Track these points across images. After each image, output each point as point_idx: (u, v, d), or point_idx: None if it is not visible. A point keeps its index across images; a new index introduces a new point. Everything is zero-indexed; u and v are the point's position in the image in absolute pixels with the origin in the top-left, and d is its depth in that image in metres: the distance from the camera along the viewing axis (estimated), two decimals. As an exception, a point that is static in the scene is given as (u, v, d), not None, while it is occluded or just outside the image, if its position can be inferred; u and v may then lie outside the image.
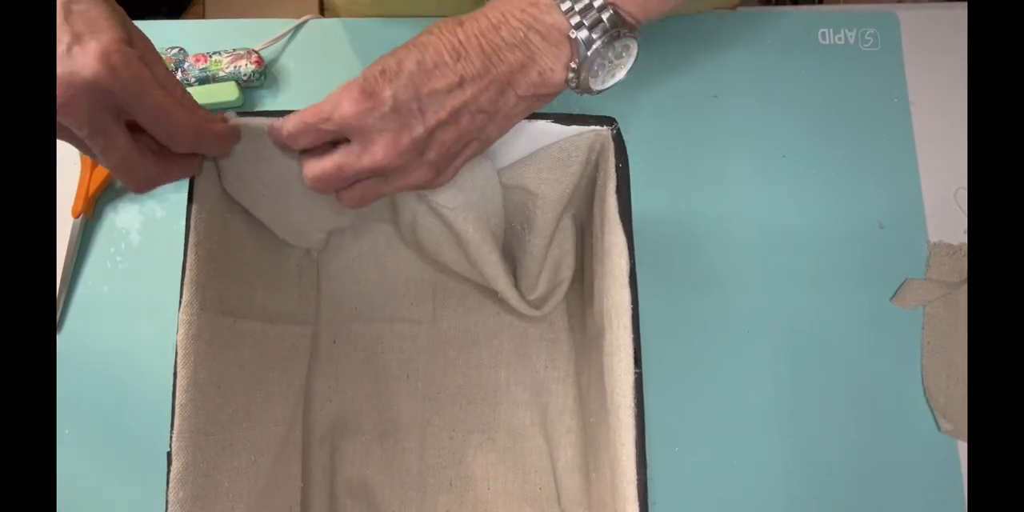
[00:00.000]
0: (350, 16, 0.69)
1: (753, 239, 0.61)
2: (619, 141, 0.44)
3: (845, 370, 0.59)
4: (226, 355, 0.44)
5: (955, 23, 0.67)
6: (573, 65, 0.39)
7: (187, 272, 0.41)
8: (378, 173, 0.40)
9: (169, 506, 0.39)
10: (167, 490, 0.39)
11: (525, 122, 0.45)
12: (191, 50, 0.63)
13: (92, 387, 0.58)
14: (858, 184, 0.63)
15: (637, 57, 0.41)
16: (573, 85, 0.40)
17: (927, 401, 0.58)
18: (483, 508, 0.55)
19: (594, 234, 0.48)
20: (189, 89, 0.61)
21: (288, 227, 0.51)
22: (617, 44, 0.39)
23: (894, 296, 0.60)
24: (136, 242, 0.62)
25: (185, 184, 0.43)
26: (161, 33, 0.63)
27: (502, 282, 0.51)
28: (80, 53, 0.34)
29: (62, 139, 0.38)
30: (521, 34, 0.38)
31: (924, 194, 0.62)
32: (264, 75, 0.64)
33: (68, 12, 0.35)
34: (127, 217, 0.62)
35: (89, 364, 0.59)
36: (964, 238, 0.61)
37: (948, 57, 0.66)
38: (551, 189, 0.48)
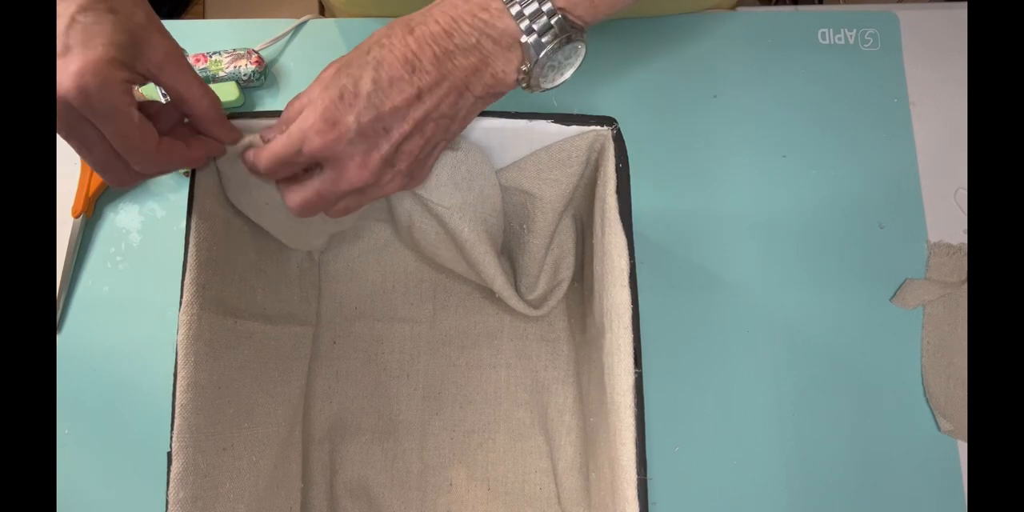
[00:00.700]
0: (349, 17, 0.69)
1: (753, 239, 0.61)
2: (619, 141, 0.44)
3: (845, 370, 0.59)
4: (227, 356, 0.44)
5: (955, 23, 0.67)
6: (524, 68, 0.40)
7: (187, 272, 0.41)
8: (356, 191, 0.42)
9: (169, 506, 0.39)
10: (167, 490, 0.39)
11: (525, 123, 0.45)
12: (191, 50, 0.63)
13: (92, 387, 0.58)
14: (858, 184, 0.63)
15: (586, 57, 0.42)
16: (523, 85, 0.41)
17: (927, 401, 0.58)
18: (483, 508, 0.55)
19: (594, 234, 0.48)
20: None
21: (289, 234, 0.51)
22: (567, 47, 0.40)
23: (894, 296, 0.60)
24: (136, 242, 0.62)
25: (186, 184, 0.43)
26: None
27: (499, 282, 0.51)
28: (61, 68, 0.34)
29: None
30: (473, 39, 0.39)
31: (924, 194, 0.62)
32: (264, 75, 0.64)
33: (72, 22, 0.35)
34: (127, 217, 0.62)
35: (89, 364, 0.59)
36: (964, 238, 0.61)
37: (948, 57, 0.66)
38: (551, 189, 0.48)
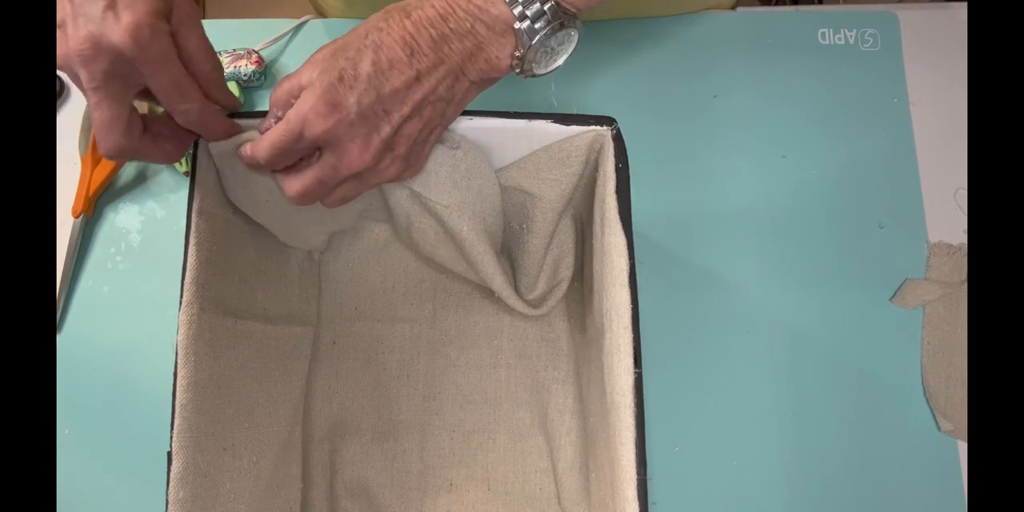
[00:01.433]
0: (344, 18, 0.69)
1: (753, 239, 0.61)
2: (619, 141, 0.44)
3: (845, 370, 0.59)
4: (227, 355, 0.44)
5: (955, 23, 0.67)
6: (517, 53, 0.40)
7: (187, 272, 0.41)
8: (355, 176, 0.42)
9: (169, 506, 0.39)
10: (167, 490, 0.39)
11: (525, 123, 0.45)
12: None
13: (92, 387, 0.58)
14: (858, 184, 0.63)
15: (587, 57, 0.43)
16: (517, 71, 0.41)
17: (927, 401, 0.58)
18: (483, 508, 0.55)
19: (594, 234, 0.48)
20: None
21: (289, 231, 0.51)
22: (560, 33, 0.40)
23: (894, 296, 0.60)
24: (136, 242, 0.62)
25: (185, 184, 0.43)
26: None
27: (497, 281, 0.51)
28: (113, 20, 0.35)
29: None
30: (468, 24, 0.39)
31: (924, 194, 0.62)
32: (264, 75, 0.64)
33: None
34: (127, 217, 0.62)
35: (89, 364, 0.59)
36: (964, 238, 0.61)
37: (948, 57, 0.66)
38: (550, 189, 0.48)
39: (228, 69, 0.63)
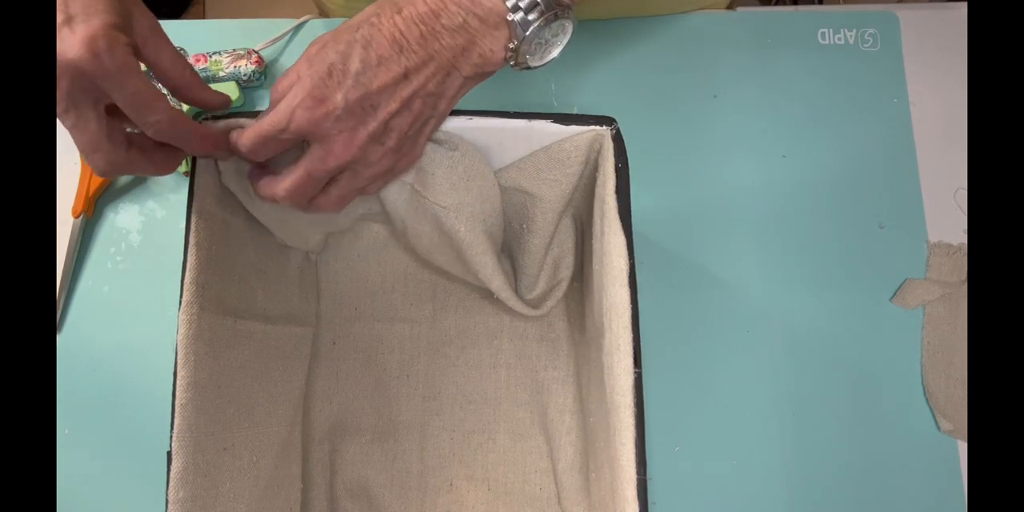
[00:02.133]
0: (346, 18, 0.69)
1: (753, 239, 0.61)
2: (619, 141, 0.44)
3: (845, 370, 0.59)
4: (226, 355, 0.44)
5: (955, 23, 0.67)
6: (511, 46, 0.40)
7: (187, 272, 0.41)
8: (345, 168, 0.42)
9: (169, 506, 0.39)
10: (167, 490, 0.39)
11: (524, 122, 0.45)
12: (191, 50, 0.63)
13: (92, 387, 0.58)
14: (858, 184, 0.63)
15: (572, 38, 0.42)
16: (512, 63, 0.41)
17: (927, 401, 0.58)
18: (483, 508, 0.55)
19: (593, 234, 0.48)
20: None
21: (286, 229, 0.51)
22: (554, 24, 0.40)
23: (894, 296, 0.60)
24: (136, 242, 0.62)
25: (185, 184, 0.43)
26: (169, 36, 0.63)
27: (497, 282, 0.51)
28: (68, 35, 0.34)
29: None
30: (460, 19, 0.39)
31: (924, 194, 0.62)
32: (264, 75, 0.64)
33: None
34: (127, 217, 0.62)
35: (89, 364, 0.59)
36: (964, 238, 0.61)
37: (948, 57, 0.66)
38: (550, 190, 0.48)
39: (228, 69, 0.63)
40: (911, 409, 0.58)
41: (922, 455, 0.57)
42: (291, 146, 0.42)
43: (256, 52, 0.64)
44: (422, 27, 0.39)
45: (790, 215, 0.62)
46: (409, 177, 0.47)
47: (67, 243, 0.60)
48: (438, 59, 0.40)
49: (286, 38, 0.67)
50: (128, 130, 0.39)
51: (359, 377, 0.57)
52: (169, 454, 0.39)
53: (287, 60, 0.66)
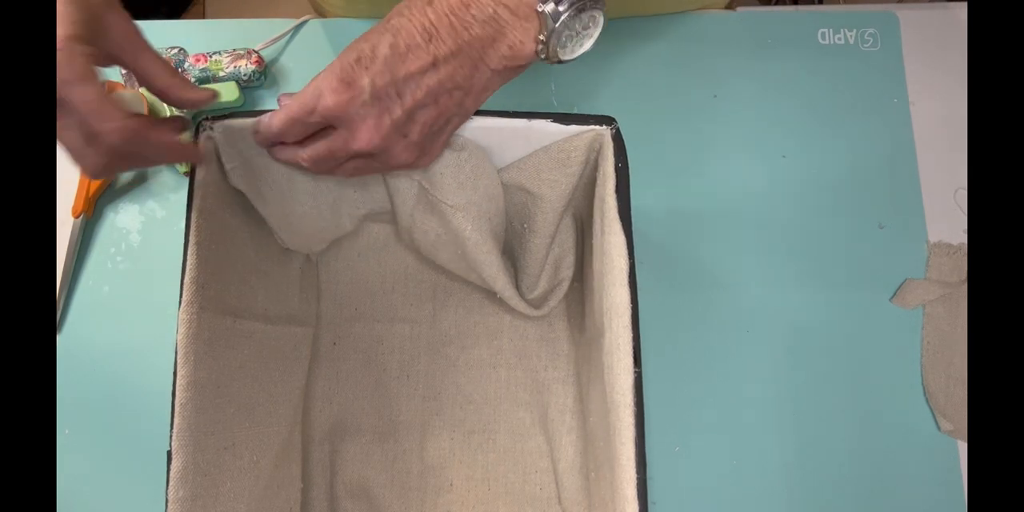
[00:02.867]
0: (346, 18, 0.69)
1: (753, 239, 0.61)
2: (618, 141, 0.44)
3: (845, 370, 0.59)
4: (226, 355, 0.44)
5: (955, 23, 0.67)
6: (542, 37, 0.40)
7: (187, 272, 0.41)
8: (366, 155, 0.42)
9: (169, 505, 0.39)
10: (167, 489, 0.39)
11: (524, 122, 0.45)
12: (191, 50, 0.63)
13: (92, 387, 0.58)
14: (858, 184, 0.63)
15: (601, 33, 0.42)
16: (543, 56, 0.41)
17: (927, 401, 0.58)
18: (483, 508, 0.55)
19: (593, 233, 0.48)
20: None
21: (290, 230, 0.51)
22: (584, 15, 0.40)
23: (894, 296, 0.60)
24: (136, 242, 0.62)
25: (185, 184, 0.43)
26: (161, 33, 0.63)
27: (500, 281, 0.51)
28: None
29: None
30: (490, 10, 0.39)
31: (924, 194, 0.62)
32: (264, 75, 0.64)
33: None
34: (127, 217, 0.62)
35: (89, 364, 0.59)
36: (964, 238, 0.61)
37: (948, 57, 0.66)
38: (551, 190, 0.48)
39: (228, 69, 0.63)
40: (911, 409, 0.58)
41: (922, 455, 0.57)
42: (318, 128, 0.42)
43: (256, 52, 0.64)
44: (452, 18, 0.39)
45: (790, 215, 0.62)
46: (417, 174, 0.47)
47: (67, 243, 0.60)
48: (467, 50, 0.40)
49: (286, 38, 0.67)
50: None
51: (359, 377, 0.57)
52: (169, 453, 0.39)
53: (287, 60, 0.66)
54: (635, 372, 0.40)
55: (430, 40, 0.39)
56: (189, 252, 0.42)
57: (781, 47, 0.66)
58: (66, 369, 0.58)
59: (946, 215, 0.62)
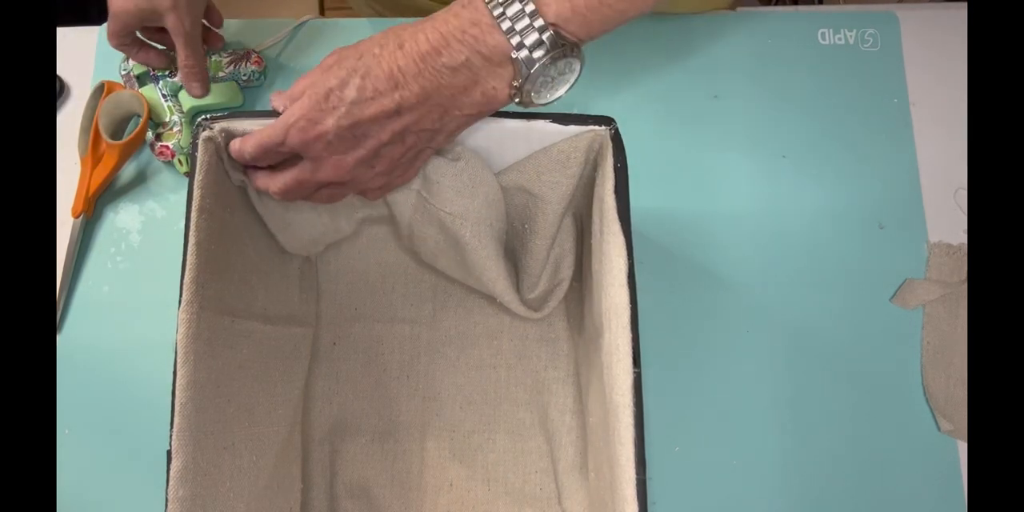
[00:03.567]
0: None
1: (753, 239, 0.61)
2: (618, 141, 0.44)
3: (845, 370, 0.59)
4: (225, 355, 0.44)
5: (955, 23, 0.67)
6: (515, 84, 0.40)
7: (187, 272, 0.41)
8: (335, 184, 0.44)
9: (169, 504, 0.39)
10: (167, 489, 0.39)
11: (523, 123, 0.45)
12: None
13: (92, 387, 0.58)
14: (858, 184, 0.63)
15: (582, 71, 0.42)
16: (516, 101, 0.41)
17: (927, 401, 0.58)
18: (483, 508, 0.55)
19: (593, 233, 0.48)
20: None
21: (289, 232, 0.52)
22: (560, 63, 0.40)
23: (894, 296, 0.60)
24: (136, 242, 0.62)
25: (185, 184, 0.44)
26: (161, 33, 0.63)
27: (500, 286, 0.51)
28: None
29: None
30: (463, 57, 0.39)
31: (924, 194, 0.62)
32: (264, 75, 0.64)
33: None
34: (127, 217, 0.62)
35: (89, 364, 0.59)
36: (964, 238, 0.61)
37: (948, 57, 0.66)
38: (551, 191, 0.48)
39: (228, 70, 0.63)
40: (911, 409, 0.58)
41: (922, 455, 0.57)
42: (288, 156, 0.43)
43: (256, 52, 0.64)
44: (422, 65, 0.39)
45: (790, 215, 0.62)
46: (416, 183, 0.47)
47: (67, 243, 0.60)
48: (435, 98, 0.40)
49: (286, 38, 0.67)
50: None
51: (359, 377, 0.57)
52: (169, 453, 0.39)
53: (287, 60, 0.66)
54: (634, 372, 0.40)
55: (396, 87, 0.39)
56: (189, 252, 0.42)
57: (781, 47, 0.66)
58: (66, 369, 0.58)
59: (946, 215, 0.62)
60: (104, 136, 0.60)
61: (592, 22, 0.39)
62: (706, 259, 0.61)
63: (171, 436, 0.40)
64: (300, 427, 0.54)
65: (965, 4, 0.68)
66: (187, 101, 0.61)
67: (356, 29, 0.67)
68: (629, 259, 0.41)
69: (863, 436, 0.57)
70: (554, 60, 0.39)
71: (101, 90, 0.61)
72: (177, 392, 0.40)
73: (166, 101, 0.61)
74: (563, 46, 0.39)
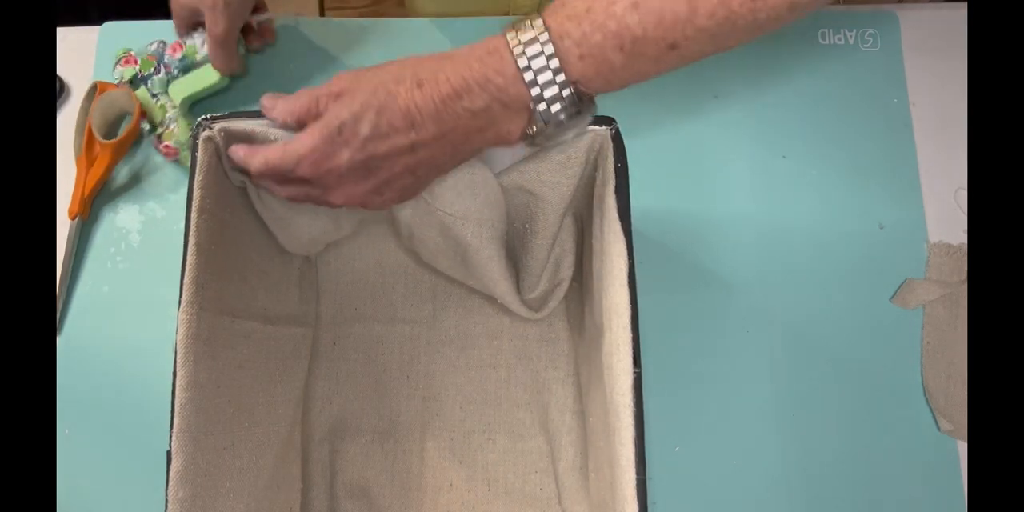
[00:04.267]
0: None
1: (753, 239, 0.61)
2: (618, 141, 0.44)
3: (845, 370, 0.59)
4: (225, 355, 0.44)
5: (955, 23, 0.67)
6: (530, 131, 0.41)
7: (187, 272, 0.41)
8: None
9: (169, 505, 0.39)
10: (167, 489, 0.39)
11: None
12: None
13: (92, 387, 0.58)
14: (858, 184, 0.63)
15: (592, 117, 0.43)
16: (527, 143, 0.42)
17: (927, 401, 0.58)
18: (483, 508, 0.55)
19: (593, 233, 0.48)
20: (176, 81, 0.62)
21: (287, 234, 0.51)
22: (576, 118, 0.41)
23: (894, 296, 0.60)
24: (136, 242, 0.62)
25: (185, 184, 0.44)
26: (162, 33, 0.63)
27: (502, 286, 0.51)
28: None
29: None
30: (483, 103, 0.39)
31: (924, 194, 0.62)
32: (246, 49, 0.64)
33: None
34: (127, 217, 0.62)
35: (89, 364, 0.59)
36: (964, 238, 0.61)
37: (948, 57, 0.66)
38: (552, 192, 0.48)
39: (203, 51, 0.61)
40: (911, 409, 0.58)
41: (922, 455, 0.57)
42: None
43: (171, 42, 0.63)
44: (440, 106, 0.39)
45: (790, 215, 0.62)
46: None
47: (64, 245, 0.60)
48: (450, 137, 0.40)
49: (283, 39, 0.66)
50: None
51: (359, 377, 0.57)
52: (169, 453, 0.39)
53: (286, 60, 0.66)
54: (635, 372, 0.40)
55: (412, 126, 0.39)
56: (189, 252, 0.42)
57: (781, 47, 0.66)
58: (66, 369, 0.58)
59: (946, 215, 0.62)
60: (97, 136, 0.60)
61: (612, 82, 0.40)
62: (706, 259, 0.61)
63: (171, 436, 0.40)
64: (300, 427, 0.54)
65: (965, 4, 0.68)
66: (176, 94, 0.61)
67: (352, 29, 0.67)
68: (630, 259, 0.41)
69: (863, 436, 0.57)
70: (570, 116, 0.40)
71: (95, 91, 0.61)
72: (177, 392, 0.40)
73: (157, 100, 0.61)
74: (580, 104, 0.40)
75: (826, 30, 0.67)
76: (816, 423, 0.57)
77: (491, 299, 0.57)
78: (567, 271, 0.55)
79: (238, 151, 0.43)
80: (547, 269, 0.54)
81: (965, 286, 0.60)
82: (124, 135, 0.61)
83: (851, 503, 0.56)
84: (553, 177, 0.48)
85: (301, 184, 0.43)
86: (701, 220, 0.62)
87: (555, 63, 0.38)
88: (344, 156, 0.40)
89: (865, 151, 0.63)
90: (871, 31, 0.66)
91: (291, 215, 0.50)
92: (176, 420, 0.40)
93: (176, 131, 0.61)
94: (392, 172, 0.41)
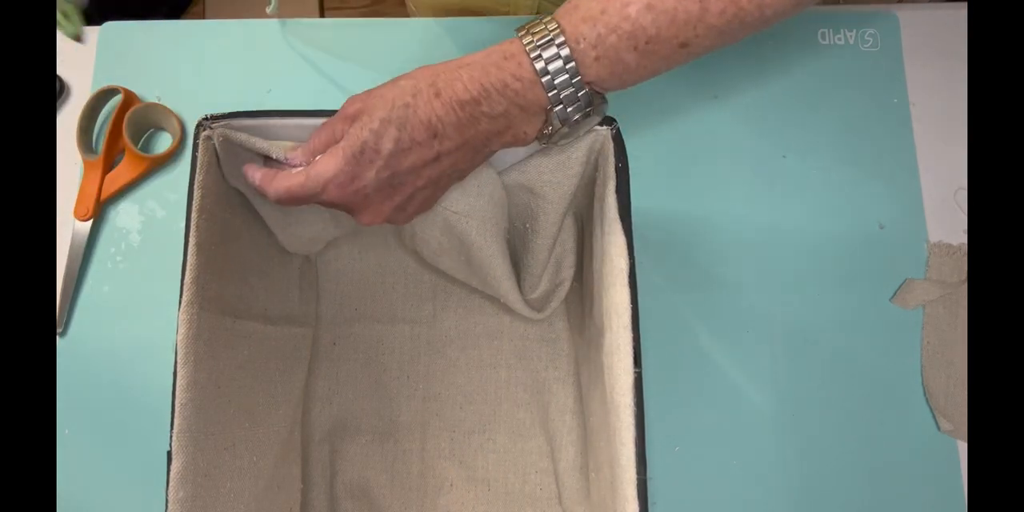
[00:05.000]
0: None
1: (753, 239, 0.61)
2: (619, 141, 0.44)
3: (845, 370, 0.59)
4: (225, 355, 0.44)
5: (955, 23, 0.67)
6: (546, 131, 0.42)
7: (187, 272, 0.41)
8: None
9: (169, 505, 0.39)
10: (167, 490, 0.39)
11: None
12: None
13: (92, 387, 0.58)
14: (858, 184, 0.63)
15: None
16: (542, 142, 0.43)
17: (927, 401, 0.58)
18: (483, 508, 0.55)
19: (594, 233, 0.48)
20: None
21: (288, 234, 0.51)
22: (590, 119, 0.42)
23: (894, 296, 0.60)
24: (136, 242, 0.62)
25: (185, 184, 0.43)
26: (161, 33, 0.63)
27: (505, 285, 0.51)
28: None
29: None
30: (501, 108, 0.40)
31: (924, 194, 0.62)
32: None
33: None
34: (127, 217, 0.62)
35: (89, 364, 0.59)
36: (964, 238, 0.61)
37: (948, 57, 0.66)
38: (553, 191, 0.49)
39: None
40: (911, 409, 0.58)
41: (922, 455, 0.57)
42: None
43: None
44: (461, 113, 0.39)
45: (790, 215, 0.62)
46: None
47: (71, 245, 0.60)
48: (472, 142, 0.41)
49: (282, 39, 0.66)
50: None
51: (359, 378, 0.57)
52: (169, 454, 0.39)
53: (285, 61, 0.66)
54: (635, 372, 0.40)
55: (435, 137, 0.39)
56: (189, 252, 0.42)
57: (781, 47, 0.66)
58: (66, 369, 0.58)
59: (946, 215, 0.62)
60: (134, 147, 0.61)
61: (626, 82, 0.40)
62: (706, 259, 0.61)
63: (171, 437, 0.40)
64: (300, 427, 0.54)
65: (965, 4, 0.68)
66: None
67: (350, 30, 0.67)
68: (630, 259, 0.41)
69: (863, 436, 0.57)
70: (585, 117, 0.41)
71: (109, 94, 0.61)
72: (177, 393, 0.40)
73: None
74: (594, 104, 0.41)
75: (826, 30, 0.67)
76: (816, 423, 0.57)
77: (491, 299, 0.57)
78: (568, 271, 0.55)
79: (254, 175, 0.43)
80: (548, 269, 0.54)
81: (965, 286, 0.60)
82: (168, 152, 0.62)
83: (851, 503, 0.56)
84: (554, 176, 0.48)
85: (327, 207, 0.44)
86: (701, 220, 0.62)
87: (572, 66, 0.38)
88: (370, 175, 0.40)
89: (865, 151, 0.63)
90: (871, 31, 0.66)
91: (292, 215, 0.50)
92: (176, 420, 0.40)
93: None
94: (415, 186, 0.42)
